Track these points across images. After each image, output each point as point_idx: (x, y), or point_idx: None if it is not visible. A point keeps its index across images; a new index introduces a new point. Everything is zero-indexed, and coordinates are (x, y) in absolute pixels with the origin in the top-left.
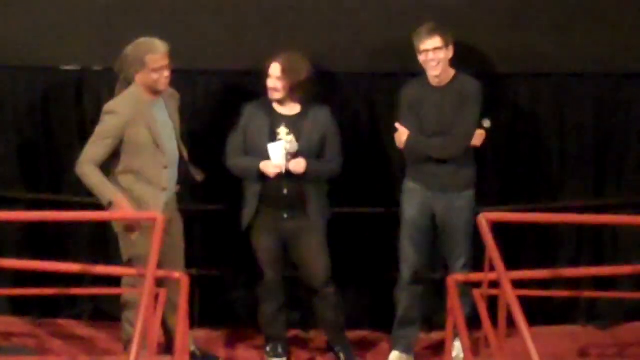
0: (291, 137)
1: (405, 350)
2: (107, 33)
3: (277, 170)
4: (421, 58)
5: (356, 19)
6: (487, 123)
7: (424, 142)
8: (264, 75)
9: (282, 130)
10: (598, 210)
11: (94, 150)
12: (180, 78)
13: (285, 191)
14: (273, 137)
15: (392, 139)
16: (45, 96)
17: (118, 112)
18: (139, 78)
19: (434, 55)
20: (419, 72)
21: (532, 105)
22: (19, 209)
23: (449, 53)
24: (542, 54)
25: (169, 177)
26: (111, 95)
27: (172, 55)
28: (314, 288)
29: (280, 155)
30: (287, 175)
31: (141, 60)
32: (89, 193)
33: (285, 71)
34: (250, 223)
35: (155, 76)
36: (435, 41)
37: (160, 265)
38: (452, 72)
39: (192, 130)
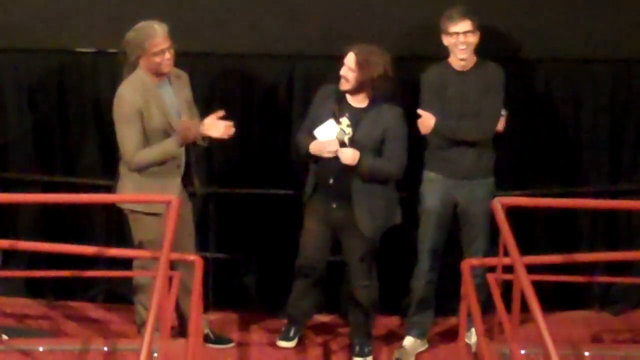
0: (349, 130)
1: (420, 335)
2: (122, 15)
3: (329, 153)
4: (450, 40)
5: (371, 2)
6: (504, 111)
7: (453, 125)
8: (280, 59)
9: (344, 121)
10: (613, 196)
11: (129, 138)
12: (192, 60)
13: (331, 181)
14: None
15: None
16: (60, 79)
17: (126, 98)
18: (142, 62)
19: (464, 38)
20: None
21: (545, 90)
22: (34, 191)
23: (477, 38)
24: (556, 38)
25: (181, 156)
26: (121, 79)
27: (183, 37)
28: (350, 281)
29: (328, 135)
30: (338, 165)
31: (141, 46)
32: (103, 175)
33: (359, 64)
34: (307, 202)
35: (157, 59)
36: (467, 24)
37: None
38: (474, 57)
39: (204, 113)
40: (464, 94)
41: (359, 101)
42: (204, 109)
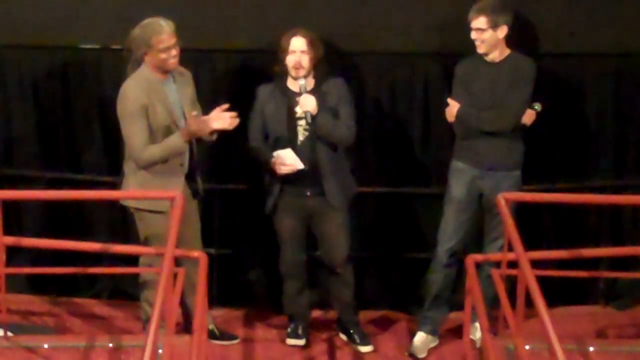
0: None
1: (431, 331)
2: (126, 11)
3: (288, 170)
4: (472, 35)
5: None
6: (537, 106)
7: (475, 114)
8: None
9: (298, 111)
10: (618, 191)
11: (136, 135)
12: (198, 57)
13: (306, 166)
14: (291, 117)
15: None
16: (64, 75)
17: (131, 95)
18: (148, 59)
19: (477, 35)
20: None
21: (552, 84)
22: (38, 188)
23: (497, 34)
24: (562, 33)
25: (185, 155)
26: (125, 76)
27: (189, 33)
28: (331, 266)
29: (292, 159)
30: (311, 150)
31: (147, 42)
32: (107, 171)
33: (311, 44)
34: (275, 203)
35: (163, 56)
36: (480, 22)
37: (177, 244)
38: (507, 50)
39: (211, 109)
40: (493, 85)
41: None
42: (210, 106)
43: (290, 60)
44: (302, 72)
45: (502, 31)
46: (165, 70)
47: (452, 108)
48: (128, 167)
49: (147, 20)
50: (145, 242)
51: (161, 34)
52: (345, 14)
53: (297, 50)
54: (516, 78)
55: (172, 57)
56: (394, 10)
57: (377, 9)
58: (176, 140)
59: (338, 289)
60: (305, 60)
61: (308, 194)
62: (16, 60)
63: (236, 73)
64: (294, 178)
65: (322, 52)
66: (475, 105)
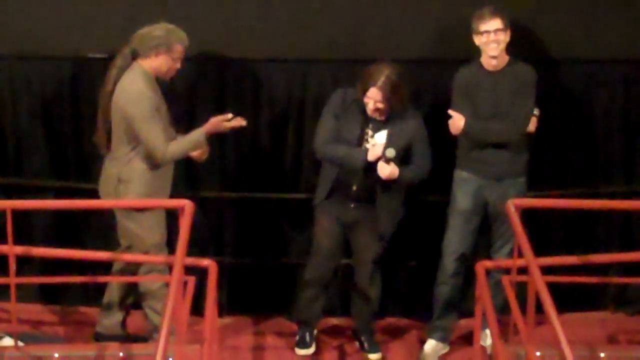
0: (383, 142)
1: (442, 339)
2: (133, 22)
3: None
4: (481, 39)
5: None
6: (536, 111)
7: (483, 126)
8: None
9: (369, 133)
10: (627, 196)
11: (158, 134)
12: (206, 65)
13: (354, 187)
14: (362, 135)
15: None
16: (72, 85)
17: (148, 94)
18: (154, 60)
19: (495, 36)
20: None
21: (559, 91)
22: (47, 197)
23: (507, 37)
24: (570, 39)
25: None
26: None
27: (195, 42)
28: (356, 280)
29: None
30: (364, 173)
31: (169, 46)
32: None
33: (386, 97)
34: (319, 204)
35: (172, 63)
36: (497, 22)
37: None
38: (506, 57)
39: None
40: (496, 94)
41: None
42: (215, 112)
43: (368, 104)
44: (380, 118)
45: (509, 35)
46: (163, 76)
47: (457, 121)
48: (131, 170)
49: (171, 26)
50: (128, 248)
51: (182, 44)
52: (352, 21)
53: (373, 99)
54: (519, 86)
55: (175, 67)
56: (395, 17)
57: (386, 16)
58: (199, 135)
59: (358, 304)
60: (381, 108)
61: (352, 205)
62: (24, 70)
63: (242, 82)
64: (342, 189)
65: (403, 93)
66: (478, 115)
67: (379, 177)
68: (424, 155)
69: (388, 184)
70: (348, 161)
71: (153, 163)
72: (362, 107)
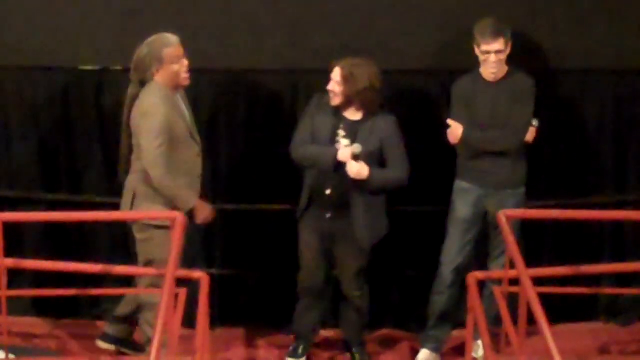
0: (348, 141)
1: (435, 349)
2: (125, 33)
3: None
4: (481, 55)
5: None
6: (536, 122)
7: (480, 136)
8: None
9: (340, 133)
10: (619, 207)
11: (162, 154)
12: (198, 76)
13: (328, 191)
14: (333, 137)
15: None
16: (64, 96)
17: (160, 112)
18: (160, 75)
19: (496, 57)
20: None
21: (551, 101)
22: (39, 210)
23: (508, 50)
24: (562, 50)
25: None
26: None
27: (187, 52)
28: (344, 291)
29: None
30: (336, 175)
31: (159, 57)
32: (108, 193)
33: (344, 77)
34: (300, 217)
35: (176, 67)
36: (500, 43)
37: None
38: (505, 68)
39: (212, 127)
40: (494, 104)
41: (353, 114)
42: (208, 124)
43: (329, 85)
44: (336, 101)
45: (510, 48)
46: (177, 86)
47: (455, 130)
48: (146, 186)
49: (151, 38)
50: (147, 264)
51: (170, 46)
52: (344, 31)
53: (333, 79)
54: (517, 96)
55: (184, 67)
56: (391, 29)
57: (376, 25)
58: (190, 201)
59: (347, 311)
60: (338, 91)
61: (328, 215)
62: (16, 81)
63: (234, 92)
64: (316, 195)
65: (363, 86)
66: (476, 124)
67: (352, 181)
68: (397, 161)
69: (361, 186)
70: (319, 159)
71: None
72: (336, 108)
